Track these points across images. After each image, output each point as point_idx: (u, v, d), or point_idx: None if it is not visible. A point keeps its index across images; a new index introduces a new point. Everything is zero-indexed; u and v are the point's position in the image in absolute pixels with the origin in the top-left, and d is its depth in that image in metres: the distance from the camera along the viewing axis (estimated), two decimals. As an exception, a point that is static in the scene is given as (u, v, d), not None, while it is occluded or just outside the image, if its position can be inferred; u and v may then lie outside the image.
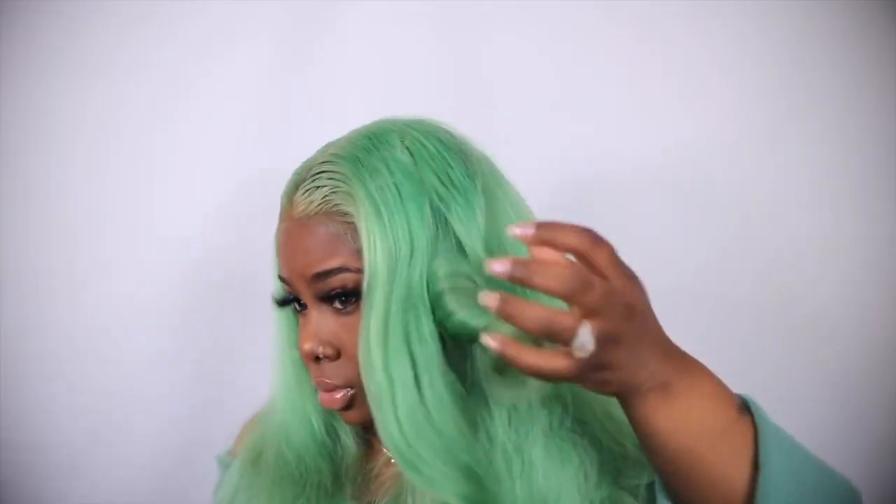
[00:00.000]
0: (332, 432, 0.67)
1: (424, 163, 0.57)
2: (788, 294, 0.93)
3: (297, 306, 0.62)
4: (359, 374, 0.56)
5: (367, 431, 0.68)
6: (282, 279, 0.61)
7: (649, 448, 0.50)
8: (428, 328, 0.54)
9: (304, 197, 0.59)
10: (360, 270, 0.56)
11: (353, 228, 0.57)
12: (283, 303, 0.63)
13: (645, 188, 0.96)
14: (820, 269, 0.92)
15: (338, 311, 0.58)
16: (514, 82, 0.97)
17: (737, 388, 0.98)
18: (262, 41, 1.00)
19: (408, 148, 0.58)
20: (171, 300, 1.01)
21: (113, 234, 1.01)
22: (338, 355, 0.59)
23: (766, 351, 0.94)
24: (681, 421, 0.48)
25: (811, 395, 0.93)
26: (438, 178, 0.57)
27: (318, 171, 0.59)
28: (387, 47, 0.99)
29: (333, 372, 0.59)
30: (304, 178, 0.60)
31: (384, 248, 0.54)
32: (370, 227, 0.55)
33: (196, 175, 1.02)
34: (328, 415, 0.66)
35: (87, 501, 1.00)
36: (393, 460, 0.65)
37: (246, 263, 1.01)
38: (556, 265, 0.43)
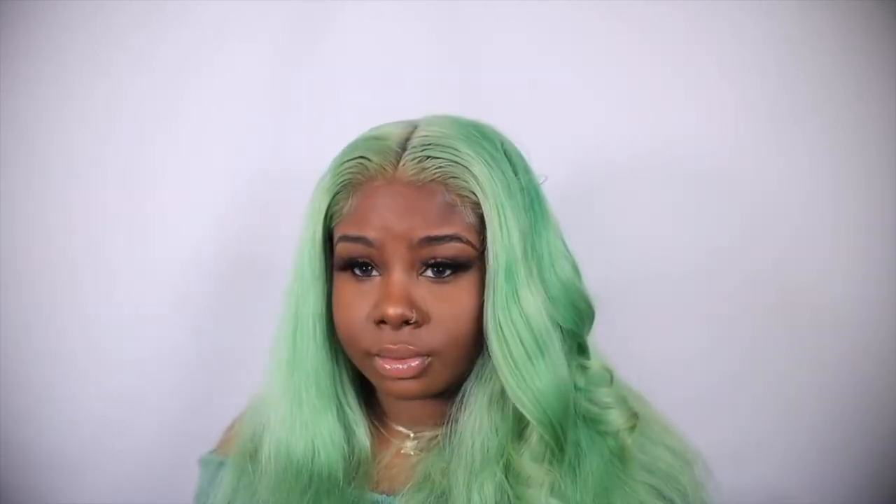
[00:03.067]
0: (342, 418, 0.66)
1: (517, 165, 0.63)
2: (790, 293, 0.93)
3: (356, 271, 0.61)
4: (444, 342, 0.59)
5: (375, 422, 0.68)
6: (362, 239, 0.60)
7: None
8: (546, 300, 0.60)
9: (414, 163, 0.59)
10: (469, 243, 0.59)
11: (470, 203, 0.59)
12: (347, 266, 0.61)
13: (644, 187, 0.96)
14: (821, 268, 0.92)
15: (430, 278, 0.59)
16: (514, 82, 0.97)
17: (738, 388, 0.99)
18: (263, 40, 1.00)
19: (505, 150, 0.63)
20: (171, 300, 1.01)
21: (113, 235, 1.01)
22: (424, 322, 0.59)
23: (767, 350, 0.94)
24: None
25: (813, 396, 0.93)
26: (525, 181, 0.62)
27: (427, 141, 0.60)
28: (387, 47, 0.99)
29: (417, 339, 0.59)
30: (403, 146, 0.60)
31: (515, 225, 0.59)
32: (500, 205, 0.59)
33: (195, 176, 1.01)
34: (343, 405, 0.66)
35: (87, 501, 1.00)
36: (402, 451, 0.66)
37: (247, 263, 1.01)
38: None
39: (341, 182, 0.61)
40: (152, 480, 1.01)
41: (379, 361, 0.60)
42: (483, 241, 0.59)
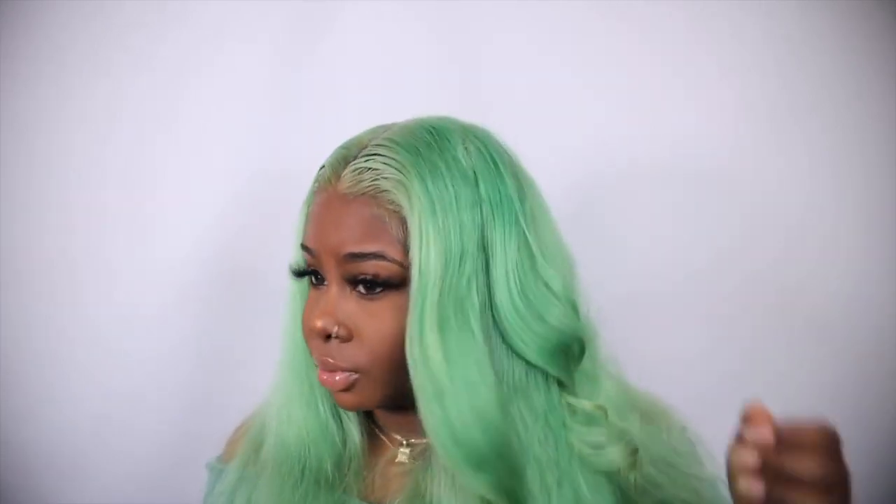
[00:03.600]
0: (336, 416, 0.66)
1: (482, 173, 0.58)
2: (790, 293, 0.92)
3: (313, 279, 0.61)
4: (368, 360, 0.57)
5: (372, 425, 0.68)
6: (306, 248, 0.60)
7: None
8: (478, 333, 0.55)
9: (353, 174, 0.57)
10: (395, 261, 0.56)
11: (398, 219, 0.56)
12: (300, 273, 0.62)
13: (644, 187, 0.96)
14: (821, 269, 0.92)
15: (361, 294, 0.58)
16: (514, 82, 0.97)
17: (738, 388, 0.98)
18: (263, 40, 1.00)
19: (469, 153, 0.58)
20: (171, 300, 1.01)
21: (113, 235, 1.01)
22: (349, 338, 0.58)
23: (768, 351, 0.94)
24: None
25: (813, 395, 0.92)
26: (489, 192, 0.57)
27: (372, 151, 0.58)
28: (387, 47, 0.99)
29: (341, 354, 0.58)
30: (354, 155, 0.59)
31: (438, 246, 0.54)
32: (424, 223, 0.55)
33: (196, 176, 1.01)
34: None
35: (87, 501, 1.00)
36: (398, 459, 0.65)
37: (247, 263, 1.01)
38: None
39: (313, 190, 0.62)
40: (152, 480, 1.01)
41: (318, 370, 0.60)
42: None
